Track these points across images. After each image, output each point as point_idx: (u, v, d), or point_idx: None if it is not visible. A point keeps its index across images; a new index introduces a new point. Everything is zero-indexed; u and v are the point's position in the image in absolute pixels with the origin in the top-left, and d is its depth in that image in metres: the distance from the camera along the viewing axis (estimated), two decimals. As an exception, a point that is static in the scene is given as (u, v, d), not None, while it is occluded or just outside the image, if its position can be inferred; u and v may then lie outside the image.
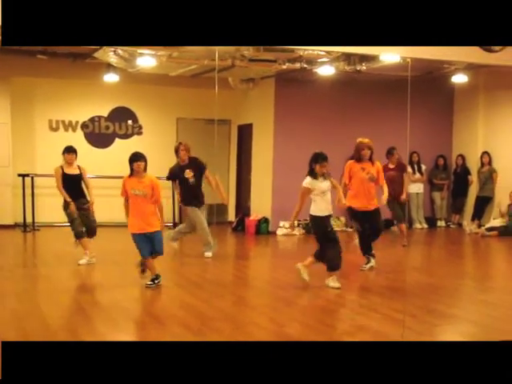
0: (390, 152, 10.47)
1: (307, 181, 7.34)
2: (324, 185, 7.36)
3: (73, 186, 8.84)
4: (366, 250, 8.62)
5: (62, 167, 8.84)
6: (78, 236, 8.83)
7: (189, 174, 9.39)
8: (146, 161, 7.32)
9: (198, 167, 9.45)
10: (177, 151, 9.54)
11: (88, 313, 6.40)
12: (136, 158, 7.26)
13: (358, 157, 8.48)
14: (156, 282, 7.43)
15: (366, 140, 8.46)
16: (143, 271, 7.59)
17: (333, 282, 7.46)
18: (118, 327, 5.93)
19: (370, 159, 8.47)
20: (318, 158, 7.30)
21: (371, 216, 8.46)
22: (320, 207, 7.38)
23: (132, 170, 7.30)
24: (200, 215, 9.38)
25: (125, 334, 5.79)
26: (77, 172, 8.92)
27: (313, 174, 7.33)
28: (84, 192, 8.98)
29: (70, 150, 8.86)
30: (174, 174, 9.58)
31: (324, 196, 7.37)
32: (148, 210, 7.38)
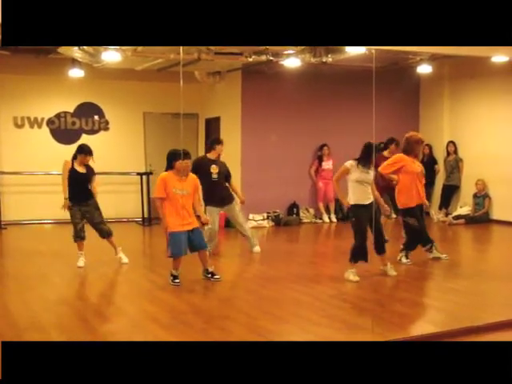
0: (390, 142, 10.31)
1: (350, 162, 7.38)
2: (369, 176, 7.37)
3: (78, 185, 8.37)
4: (427, 241, 8.59)
5: (72, 162, 8.37)
6: (75, 239, 8.46)
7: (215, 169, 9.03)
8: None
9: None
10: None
11: (56, 311, 6.35)
12: (182, 155, 7.03)
13: (411, 151, 8.26)
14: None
15: (416, 134, 8.43)
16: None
17: (352, 275, 7.40)
18: (88, 324, 5.89)
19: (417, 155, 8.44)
20: (371, 149, 7.29)
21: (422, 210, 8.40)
22: (358, 196, 7.36)
23: (172, 167, 7.11)
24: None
25: (94, 330, 5.75)
26: (84, 171, 8.38)
27: (364, 162, 7.33)
28: (90, 193, 8.45)
29: (82, 151, 8.39)
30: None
31: (363, 187, 7.35)
32: (191, 208, 7.25)
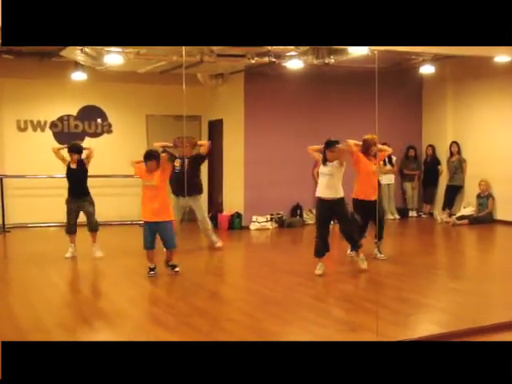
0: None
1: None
2: (325, 168, 7.83)
3: (74, 181, 9.06)
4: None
5: (68, 162, 9.16)
6: (66, 231, 9.12)
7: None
8: (157, 159, 7.78)
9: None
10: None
11: (60, 313, 6.35)
12: (147, 157, 7.79)
13: (366, 151, 8.68)
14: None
15: (372, 136, 8.68)
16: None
17: (317, 267, 7.76)
18: (92, 327, 5.89)
19: (375, 155, 8.73)
20: (327, 145, 7.85)
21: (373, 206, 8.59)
22: (319, 188, 7.89)
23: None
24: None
25: (98, 332, 5.76)
26: (75, 166, 9.08)
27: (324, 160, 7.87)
28: (87, 190, 9.11)
29: (73, 150, 9.15)
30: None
31: (322, 178, 7.82)
32: (161, 200, 7.81)
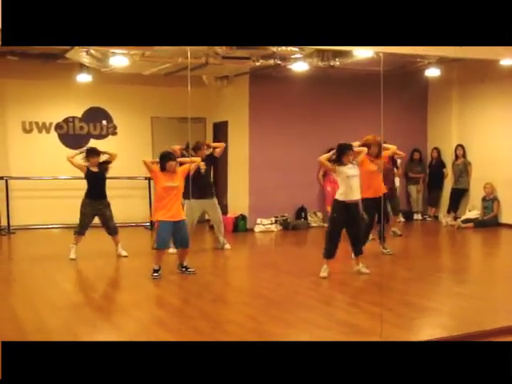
0: None
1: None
2: (351, 170, 7.78)
3: (93, 184, 9.12)
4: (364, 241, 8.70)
5: (87, 166, 9.18)
6: (76, 232, 9.14)
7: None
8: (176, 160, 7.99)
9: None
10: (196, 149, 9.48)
11: (63, 315, 6.35)
12: (169, 157, 7.92)
13: (369, 151, 8.83)
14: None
15: (370, 136, 8.93)
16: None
17: (322, 270, 7.79)
18: (95, 329, 5.89)
19: (377, 155, 8.93)
20: (345, 149, 7.81)
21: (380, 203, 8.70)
22: (346, 191, 7.78)
23: (164, 167, 7.84)
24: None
25: (102, 334, 5.75)
26: (96, 170, 9.16)
27: (340, 163, 7.78)
28: (105, 193, 9.20)
29: (92, 153, 9.22)
30: None
31: (351, 180, 7.76)
32: (179, 201, 7.95)
